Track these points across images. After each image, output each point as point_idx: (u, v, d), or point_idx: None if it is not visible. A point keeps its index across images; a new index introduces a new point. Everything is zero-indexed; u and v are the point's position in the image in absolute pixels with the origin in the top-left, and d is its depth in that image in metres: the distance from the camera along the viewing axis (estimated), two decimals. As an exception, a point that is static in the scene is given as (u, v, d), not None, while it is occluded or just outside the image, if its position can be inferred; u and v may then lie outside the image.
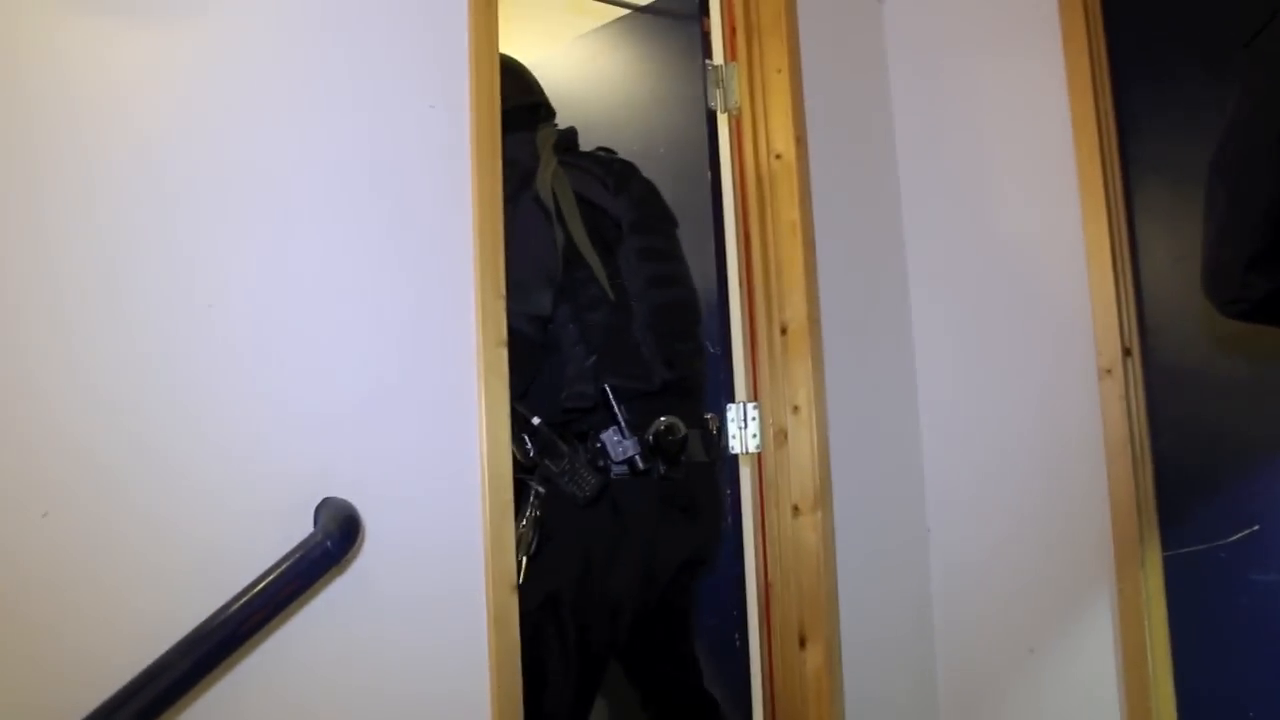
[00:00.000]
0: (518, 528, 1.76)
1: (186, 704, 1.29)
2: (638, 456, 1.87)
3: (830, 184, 2.38)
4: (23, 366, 1.25)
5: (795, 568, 2.23)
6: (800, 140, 2.32)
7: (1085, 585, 2.21)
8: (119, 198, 1.34)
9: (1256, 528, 1.98)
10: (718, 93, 2.37)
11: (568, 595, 1.84)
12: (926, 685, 2.52)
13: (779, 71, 2.35)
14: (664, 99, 2.49)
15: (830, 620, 2.21)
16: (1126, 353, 2.14)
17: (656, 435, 1.89)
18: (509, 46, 2.16)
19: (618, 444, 1.87)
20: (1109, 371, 2.15)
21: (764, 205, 2.31)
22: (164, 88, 1.40)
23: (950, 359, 2.53)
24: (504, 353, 1.67)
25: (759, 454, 2.27)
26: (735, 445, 2.25)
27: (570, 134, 2.13)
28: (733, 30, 2.39)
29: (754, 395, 2.28)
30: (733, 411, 2.26)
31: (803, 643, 2.20)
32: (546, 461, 1.87)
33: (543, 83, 2.22)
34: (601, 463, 1.87)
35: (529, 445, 1.85)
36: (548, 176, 1.91)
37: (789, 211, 2.27)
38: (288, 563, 1.32)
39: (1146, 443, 2.13)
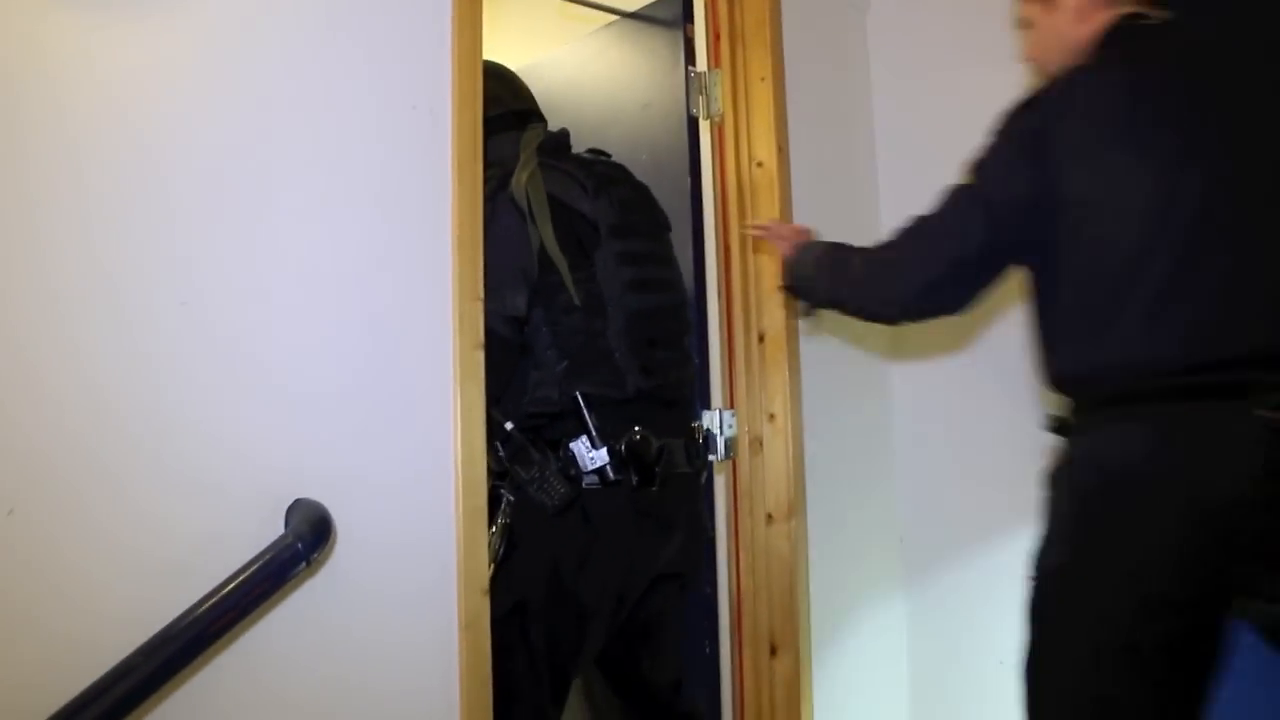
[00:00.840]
0: (487, 534, 1.74)
1: (154, 704, 1.27)
2: (609, 467, 1.84)
3: (811, 192, 2.39)
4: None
5: (767, 576, 2.24)
6: (782, 149, 2.33)
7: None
8: (94, 192, 1.32)
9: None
10: (701, 100, 2.38)
11: (535, 605, 1.82)
12: (897, 694, 2.53)
13: (762, 80, 2.35)
14: (648, 105, 2.49)
15: (802, 629, 2.21)
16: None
17: (629, 445, 1.86)
18: (496, 53, 2.16)
19: (588, 453, 1.84)
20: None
21: (744, 213, 2.32)
22: (143, 86, 1.38)
23: (925, 365, 2.54)
24: (480, 356, 1.67)
25: (733, 462, 2.27)
26: (710, 453, 2.25)
27: (560, 136, 2.09)
28: (717, 37, 2.40)
29: (730, 403, 2.28)
30: (708, 419, 2.26)
31: (774, 651, 2.21)
32: (517, 468, 1.84)
33: (530, 88, 2.21)
34: (573, 472, 1.85)
35: (500, 451, 1.84)
36: (523, 178, 1.90)
37: (769, 219, 2.27)
38: (258, 564, 1.31)
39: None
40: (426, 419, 1.61)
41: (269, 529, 1.39)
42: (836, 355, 2.48)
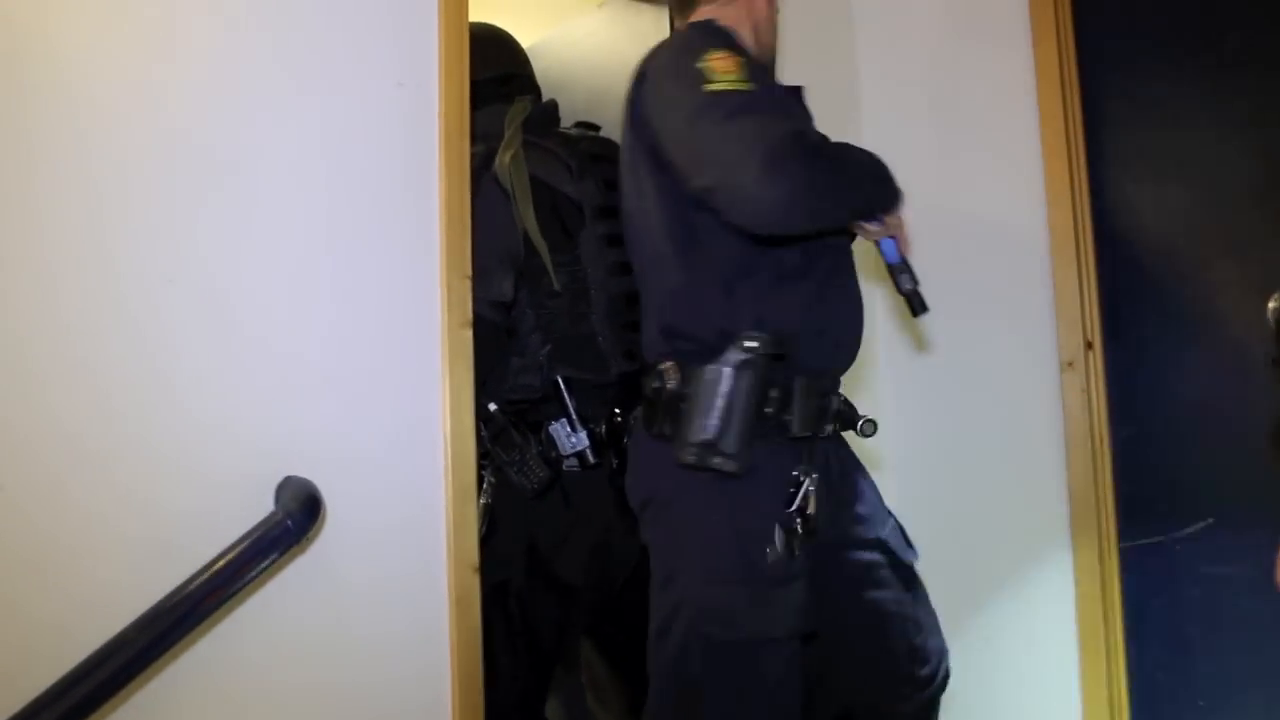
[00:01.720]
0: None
1: (144, 681, 1.28)
2: (588, 450, 1.84)
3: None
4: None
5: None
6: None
7: (1044, 576, 2.23)
8: (78, 174, 1.32)
9: (1211, 521, 2.01)
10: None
11: (515, 585, 1.82)
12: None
13: (751, 60, 2.34)
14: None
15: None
16: (1088, 346, 2.16)
17: (609, 428, 1.86)
18: (511, 25, 2.16)
19: (567, 437, 1.84)
20: (1070, 364, 2.17)
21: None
22: (123, 66, 1.37)
23: (912, 350, 2.54)
24: (469, 334, 1.66)
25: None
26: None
27: (548, 108, 2.06)
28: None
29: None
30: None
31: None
32: (498, 450, 1.83)
33: (539, 60, 2.18)
34: (553, 454, 1.84)
35: (483, 431, 1.82)
36: (506, 159, 1.87)
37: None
38: (247, 541, 1.31)
39: (1106, 435, 2.15)
40: (415, 397, 1.61)
41: (258, 508, 1.38)
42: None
